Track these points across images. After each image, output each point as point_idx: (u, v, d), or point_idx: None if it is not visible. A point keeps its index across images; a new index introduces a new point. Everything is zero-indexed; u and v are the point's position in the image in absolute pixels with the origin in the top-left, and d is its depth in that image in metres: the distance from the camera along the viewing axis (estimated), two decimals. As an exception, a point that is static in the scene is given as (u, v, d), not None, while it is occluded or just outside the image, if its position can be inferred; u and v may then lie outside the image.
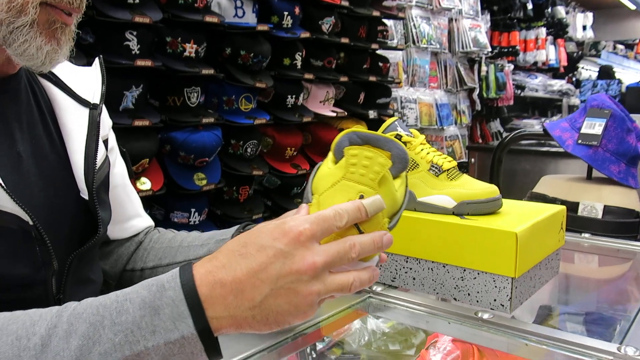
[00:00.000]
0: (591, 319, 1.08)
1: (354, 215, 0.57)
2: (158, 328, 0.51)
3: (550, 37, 5.92)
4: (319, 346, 1.40)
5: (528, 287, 0.96)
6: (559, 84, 6.04)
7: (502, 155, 1.72)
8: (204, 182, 2.15)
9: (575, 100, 6.73)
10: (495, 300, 0.91)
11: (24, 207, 0.70)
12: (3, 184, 0.68)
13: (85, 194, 0.82)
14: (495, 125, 5.09)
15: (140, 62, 1.93)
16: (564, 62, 6.38)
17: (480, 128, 4.96)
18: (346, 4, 2.81)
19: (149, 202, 2.12)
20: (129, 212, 1.00)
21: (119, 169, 0.99)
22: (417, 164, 1.06)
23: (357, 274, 0.57)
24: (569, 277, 1.29)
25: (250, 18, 2.38)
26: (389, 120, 1.12)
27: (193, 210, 2.17)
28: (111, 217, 0.91)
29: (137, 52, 1.96)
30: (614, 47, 8.67)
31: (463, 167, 4.36)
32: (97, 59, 0.93)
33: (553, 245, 1.04)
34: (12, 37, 0.68)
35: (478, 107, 4.81)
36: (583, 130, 1.52)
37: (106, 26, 1.91)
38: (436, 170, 1.05)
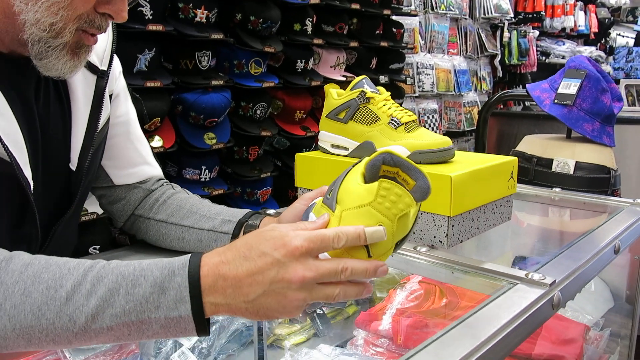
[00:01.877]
0: (525, 256, 1.19)
1: (353, 241, 0.62)
2: (162, 305, 0.61)
3: (580, 3, 5.79)
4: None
5: (469, 227, 1.07)
6: (588, 51, 5.93)
7: (487, 116, 1.79)
8: (214, 141, 2.30)
9: (606, 67, 6.59)
10: (434, 237, 1.03)
11: (36, 182, 0.81)
12: (21, 165, 0.79)
13: (74, 165, 0.91)
14: (520, 90, 5.07)
15: (151, 27, 2.07)
16: (595, 29, 6.23)
17: (502, 95, 4.96)
18: (357, -31, 2.87)
19: (163, 159, 2.28)
20: (134, 159, 1.06)
21: (123, 118, 1.04)
22: (379, 117, 1.17)
23: (343, 288, 0.63)
24: (526, 224, 1.39)
25: (260, -16, 2.48)
26: (357, 78, 1.23)
27: (204, 167, 2.32)
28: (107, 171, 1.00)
29: (150, 17, 2.10)
30: (654, 13, 8.35)
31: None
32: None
33: (500, 193, 1.14)
34: (46, 54, 0.77)
35: (500, 73, 4.80)
36: (560, 91, 1.59)
37: (121, -7, 2.04)
38: (395, 123, 1.16)
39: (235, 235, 0.97)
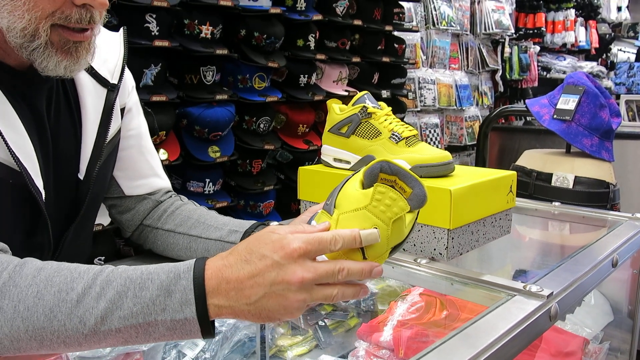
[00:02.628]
0: (524, 269, 1.21)
1: (349, 243, 0.64)
2: (168, 307, 0.63)
3: (580, 19, 5.84)
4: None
5: (469, 240, 1.09)
6: (589, 66, 5.97)
7: (487, 131, 1.82)
8: (218, 154, 2.33)
9: (607, 83, 6.63)
10: (435, 249, 1.05)
11: (47, 191, 0.84)
12: (32, 176, 0.81)
13: (82, 174, 0.93)
14: (521, 106, 5.11)
15: (158, 43, 2.11)
16: (595, 44, 6.28)
17: (503, 110, 4.99)
18: (360, -14, 2.91)
19: (168, 171, 2.30)
20: (144, 171, 1.09)
21: (135, 132, 1.06)
22: (380, 132, 1.20)
23: (341, 289, 0.65)
24: (526, 237, 1.40)
25: (264, 1, 2.52)
26: (359, 94, 1.26)
27: (207, 180, 2.35)
28: (117, 184, 1.03)
29: (157, 33, 2.14)
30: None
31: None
32: (121, 30, 1.01)
33: (499, 206, 1.16)
34: (33, 57, 0.78)
35: (501, 88, 4.84)
36: (558, 106, 1.62)
37: (128, 9, 2.09)
38: (396, 137, 1.18)
39: None
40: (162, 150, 2.15)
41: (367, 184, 0.68)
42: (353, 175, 0.72)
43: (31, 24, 0.75)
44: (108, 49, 0.98)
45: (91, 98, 0.94)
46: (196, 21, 2.27)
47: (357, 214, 0.66)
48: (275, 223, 1.08)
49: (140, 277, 0.65)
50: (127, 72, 1.03)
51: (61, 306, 0.63)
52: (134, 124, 1.07)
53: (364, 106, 1.22)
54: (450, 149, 4.35)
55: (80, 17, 0.77)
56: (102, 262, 2.02)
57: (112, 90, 0.97)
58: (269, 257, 0.63)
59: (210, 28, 2.32)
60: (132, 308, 0.63)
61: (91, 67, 0.95)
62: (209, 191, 2.37)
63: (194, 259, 0.67)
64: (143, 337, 0.64)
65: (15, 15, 0.74)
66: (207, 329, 0.65)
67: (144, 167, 1.08)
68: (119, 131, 1.01)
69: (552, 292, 0.87)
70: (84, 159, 0.94)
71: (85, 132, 0.94)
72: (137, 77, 2.10)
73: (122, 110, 1.03)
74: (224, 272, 0.64)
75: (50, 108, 0.89)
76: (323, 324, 1.45)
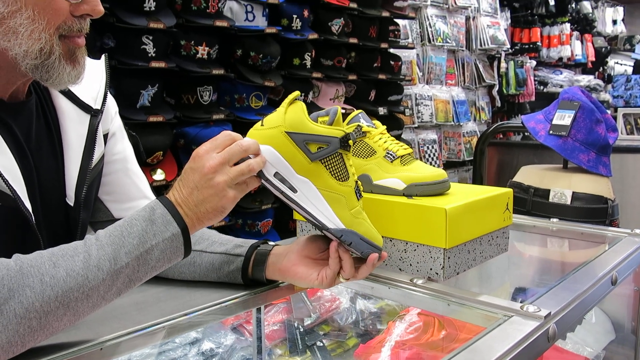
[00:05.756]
0: (522, 287, 1.19)
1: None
2: (157, 232, 0.77)
3: (576, 33, 5.88)
4: (307, 322, 1.54)
5: (466, 259, 1.08)
6: (586, 79, 6.00)
7: (483, 147, 1.82)
8: (215, 174, 2.32)
9: (605, 96, 6.65)
10: (431, 269, 1.03)
11: (37, 217, 0.86)
12: (23, 200, 0.83)
13: (71, 200, 0.94)
14: (517, 122, 5.12)
15: (154, 64, 2.12)
16: (592, 58, 6.32)
17: (501, 124, 5.00)
18: (355, 5, 2.93)
19: (165, 191, 2.30)
20: (133, 194, 1.09)
21: (120, 155, 1.07)
22: (375, 151, 1.19)
23: (248, 162, 0.81)
24: (524, 255, 1.39)
25: (260, 21, 2.54)
26: (353, 113, 1.25)
27: (205, 200, 2.34)
28: (99, 212, 1.04)
29: (153, 54, 2.15)
30: (650, 41, 8.46)
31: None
32: (102, 57, 1.03)
33: (495, 224, 1.15)
34: (49, 74, 0.82)
35: (498, 103, 4.85)
36: (554, 122, 1.61)
37: (125, 32, 2.10)
38: (391, 156, 1.18)
39: (247, 257, 1.00)
40: (159, 170, 2.15)
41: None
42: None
43: (47, 42, 0.80)
44: (90, 75, 0.99)
45: (73, 124, 0.95)
46: (192, 42, 2.29)
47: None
48: (273, 243, 1.08)
49: (125, 222, 0.77)
50: (110, 97, 1.04)
51: (77, 264, 0.72)
52: (119, 148, 1.08)
53: (359, 125, 1.21)
54: (448, 164, 4.35)
55: (81, 27, 0.83)
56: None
57: (95, 115, 0.98)
58: (192, 169, 0.80)
59: (207, 48, 2.33)
60: (132, 242, 0.75)
61: (73, 93, 0.96)
62: (207, 211, 2.36)
63: (157, 197, 0.81)
64: (143, 269, 0.76)
65: (34, 38, 0.79)
66: (188, 242, 0.79)
67: (132, 190, 1.09)
68: (103, 157, 1.02)
69: (550, 312, 0.86)
70: (70, 185, 0.94)
71: (68, 158, 0.94)
72: (135, 98, 2.11)
73: (105, 136, 1.04)
74: (180, 193, 0.80)
75: (30, 135, 0.90)
76: (321, 344, 1.44)
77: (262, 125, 0.87)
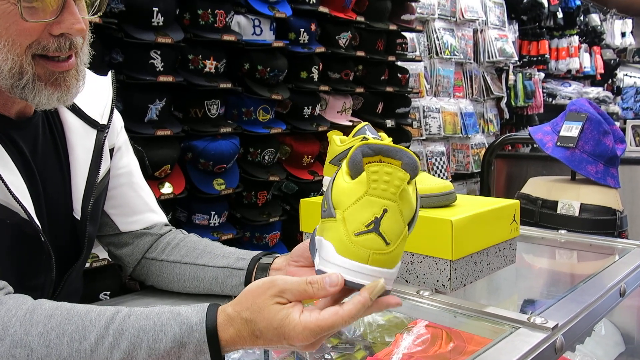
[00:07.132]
0: (530, 299, 1.18)
1: (358, 313, 0.62)
2: (182, 357, 0.66)
3: (584, 45, 5.87)
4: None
5: (472, 271, 1.07)
6: (595, 92, 5.98)
7: (491, 159, 1.81)
8: (223, 186, 2.33)
9: (614, 108, 6.62)
10: (437, 281, 1.03)
11: (44, 231, 0.85)
12: (32, 215, 0.82)
13: (77, 214, 0.94)
14: (525, 133, 5.11)
15: (162, 78, 2.14)
16: (601, 70, 6.30)
17: (510, 136, 4.99)
18: (362, 19, 2.95)
19: (173, 205, 2.31)
20: (139, 207, 1.10)
21: (125, 169, 1.09)
22: (380, 163, 1.19)
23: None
24: (532, 267, 1.38)
25: (267, 35, 2.56)
26: (359, 125, 1.26)
27: (213, 212, 2.35)
28: (107, 225, 1.05)
29: (161, 69, 2.17)
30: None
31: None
32: (109, 73, 1.04)
33: (502, 236, 1.15)
34: (25, 94, 0.79)
35: (506, 115, 4.85)
36: (562, 133, 1.61)
37: (133, 46, 2.12)
38: (396, 168, 1.18)
39: (249, 271, 1.00)
40: (167, 184, 2.16)
41: (355, 173, 0.66)
42: (336, 173, 0.69)
43: (15, 62, 0.76)
44: (97, 91, 1.00)
45: (80, 139, 0.96)
46: (200, 56, 2.31)
47: (361, 202, 0.63)
48: (275, 255, 1.08)
49: (154, 329, 0.66)
50: (116, 113, 1.05)
51: (75, 356, 0.64)
52: (124, 162, 1.08)
53: (364, 137, 1.22)
54: (457, 176, 4.34)
55: (59, 46, 0.78)
56: (108, 297, 2.01)
57: (101, 130, 0.98)
58: (276, 342, 0.65)
59: (214, 62, 2.35)
60: (147, 359, 0.65)
61: (80, 108, 0.96)
62: (215, 224, 2.37)
63: (205, 311, 0.68)
64: None
65: (0, 59, 0.75)
66: None
67: (138, 203, 1.10)
68: (109, 171, 1.03)
69: (557, 324, 0.85)
70: (76, 199, 0.95)
71: (75, 173, 0.95)
72: (142, 112, 2.13)
73: (111, 150, 1.04)
74: (236, 341, 0.66)
75: (36, 151, 0.90)
76: (329, 357, 1.43)
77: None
